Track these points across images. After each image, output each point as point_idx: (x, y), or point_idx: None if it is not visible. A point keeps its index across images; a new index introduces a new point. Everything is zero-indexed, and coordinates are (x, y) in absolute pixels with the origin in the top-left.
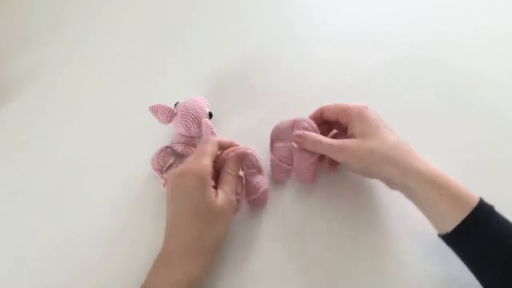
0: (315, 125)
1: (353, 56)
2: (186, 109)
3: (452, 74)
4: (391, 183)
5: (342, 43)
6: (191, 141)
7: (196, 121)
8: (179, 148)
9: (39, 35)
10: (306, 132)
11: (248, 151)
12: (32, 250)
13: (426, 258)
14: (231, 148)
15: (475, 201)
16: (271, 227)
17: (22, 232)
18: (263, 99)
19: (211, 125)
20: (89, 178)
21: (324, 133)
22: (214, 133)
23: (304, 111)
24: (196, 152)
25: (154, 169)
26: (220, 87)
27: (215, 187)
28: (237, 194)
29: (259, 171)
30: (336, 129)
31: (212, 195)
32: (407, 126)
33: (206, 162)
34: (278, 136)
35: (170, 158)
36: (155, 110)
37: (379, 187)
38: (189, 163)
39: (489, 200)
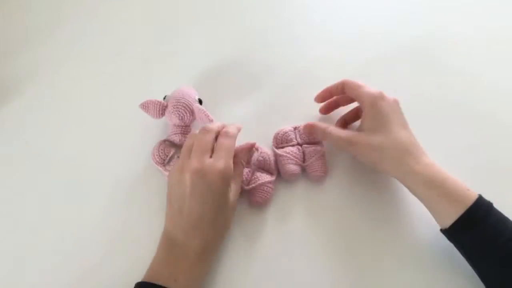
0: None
1: (353, 54)
2: (177, 100)
3: (452, 74)
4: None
5: (341, 42)
6: (187, 130)
7: (189, 109)
8: (176, 139)
9: (38, 35)
10: (316, 122)
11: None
12: (32, 250)
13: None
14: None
15: (472, 199)
16: (277, 225)
17: (22, 232)
18: (262, 95)
19: (204, 109)
20: (88, 177)
21: (346, 102)
22: (208, 115)
23: (302, 109)
24: (219, 147)
25: (156, 163)
26: (217, 84)
27: None
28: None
29: (268, 170)
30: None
31: (229, 195)
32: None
33: (231, 163)
34: (282, 139)
35: (170, 150)
36: (146, 106)
37: (391, 181)
38: (212, 161)
39: (489, 199)
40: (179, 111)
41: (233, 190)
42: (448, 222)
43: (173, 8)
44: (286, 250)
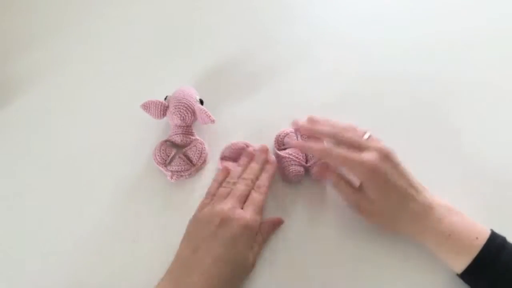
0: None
1: (354, 54)
2: (178, 100)
3: (455, 74)
4: None
5: (342, 42)
6: (188, 130)
7: (190, 109)
8: (177, 139)
9: (41, 36)
10: (327, 166)
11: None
12: (33, 249)
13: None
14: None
15: (480, 246)
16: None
17: (23, 231)
18: (262, 96)
19: (205, 109)
20: (89, 176)
21: None
22: (210, 116)
23: (303, 110)
24: (250, 201)
25: (157, 164)
26: (218, 84)
27: None
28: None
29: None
30: None
31: (249, 252)
32: (406, 131)
33: (258, 218)
34: (284, 142)
35: (171, 151)
36: (147, 107)
37: None
38: (242, 211)
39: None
40: (181, 111)
41: (253, 255)
42: (460, 268)
43: (174, 9)
44: (288, 248)
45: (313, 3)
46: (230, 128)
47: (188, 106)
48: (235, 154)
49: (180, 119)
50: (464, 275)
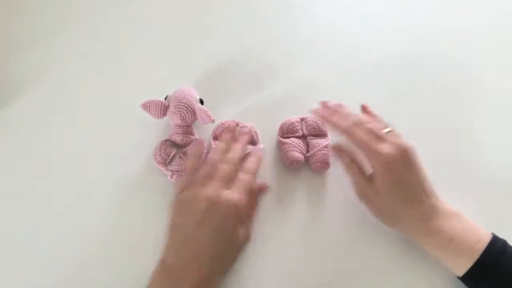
0: (321, 122)
1: (352, 52)
2: (178, 100)
3: (456, 75)
4: None
5: (343, 41)
6: (188, 130)
7: (190, 109)
8: (178, 139)
9: (41, 36)
10: (343, 149)
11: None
12: (32, 249)
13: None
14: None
15: (481, 250)
16: (277, 212)
17: (23, 231)
18: (262, 96)
19: (206, 109)
20: (89, 176)
21: None
22: (210, 116)
23: (302, 111)
24: (238, 182)
25: (157, 163)
26: (219, 83)
27: None
28: None
29: (253, 143)
30: None
31: (237, 231)
32: (409, 125)
33: (245, 198)
34: (288, 129)
35: (171, 150)
36: (148, 106)
37: None
38: (228, 192)
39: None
40: (181, 111)
41: (243, 233)
42: (461, 271)
43: (174, 9)
44: (285, 236)
45: (314, 2)
46: None
47: (188, 105)
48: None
49: (180, 119)
50: (465, 278)
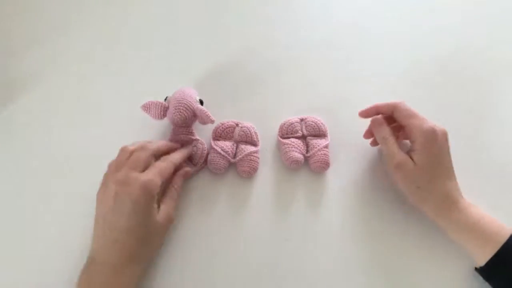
0: (321, 122)
1: (352, 53)
2: (178, 101)
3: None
4: None
5: (341, 40)
6: (189, 131)
7: (190, 110)
8: (178, 140)
9: (44, 36)
10: (383, 125)
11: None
12: (33, 249)
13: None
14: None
15: (506, 236)
16: (277, 211)
17: (23, 231)
18: (261, 97)
19: (205, 110)
20: (90, 176)
21: (392, 122)
22: (210, 116)
23: (300, 110)
24: (151, 166)
25: None
26: (219, 84)
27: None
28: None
29: (253, 143)
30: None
31: (154, 211)
32: None
33: (156, 179)
34: (288, 130)
35: None
36: (148, 107)
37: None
38: (138, 174)
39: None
40: (181, 112)
41: (163, 211)
42: (482, 261)
43: (174, 10)
44: (284, 236)
45: (314, 3)
46: None
47: (188, 106)
48: (226, 133)
49: (180, 120)
50: (485, 267)
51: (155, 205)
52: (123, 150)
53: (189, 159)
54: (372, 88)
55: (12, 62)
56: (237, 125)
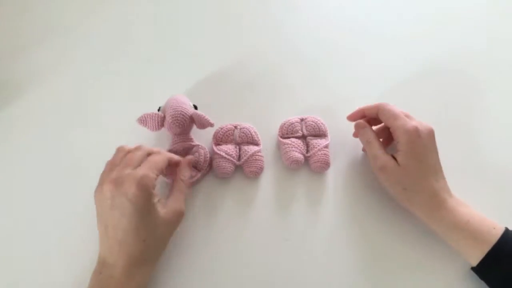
0: (321, 122)
1: (352, 53)
2: (174, 109)
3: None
4: None
5: (341, 40)
6: (187, 137)
7: (187, 116)
8: (179, 148)
9: (41, 37)
10: (366, 128)
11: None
12: (33, 249)
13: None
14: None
15: (497, 235)
16: (277, 210)
17: (24, 232)
18: (260, 100)
19: (203, 114)
20: (89, 179)
21: (378, 123)
22: (208, 120)
23: (299, 105)
24: (145, 161)
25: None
26: (215, 89)
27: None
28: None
29: (254, 143)
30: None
31: (156, 208)
32: None
33: (151, 174)
34: (288, 130)
35: None
36: (144, 120)
37: None
38: (131, 171)
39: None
40: (178, 120)
41: (169, 205)
42: (475, 260)
43: (174, 12)
44: (284, 236)
45: (314, 3)
46: None
47: (185, 113)
48: (226, 136)
49: (179, 128)
50: (480, 267)
51: (155, 201)
52: (119, 150)
53: (193, 166)
54: (372, 88)
55: (13, 63)
56: (235, 127)
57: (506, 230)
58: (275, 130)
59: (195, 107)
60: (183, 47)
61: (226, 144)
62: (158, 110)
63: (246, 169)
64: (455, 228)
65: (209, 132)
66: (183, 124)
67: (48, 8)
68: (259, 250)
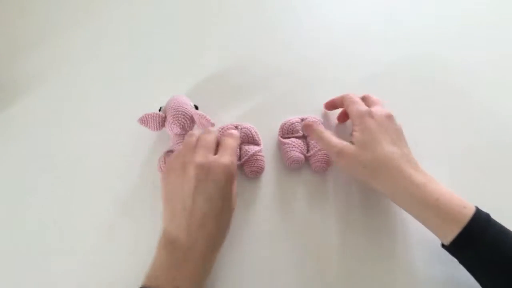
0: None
1: (352, 53)
2: (175, 109)
3: (452, 73)
4: None
5: (341, 40)
6: None
7: (188, 116)
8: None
9: (44, 38)
10: (314, 124)
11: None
12: (34, 249)
13: (432, 261)
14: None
15: (468, 217)
16: (278, 211)
17: (25, 232)
18: (259, 101)
19: (204, 114)
20: (91, 178)
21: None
22: (209, 120)
23: (299, 105)
24: (224, 145)
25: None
26: (216, 89)
27: None
28: None
29: (255, 143)
30: None
31: (234, 195)
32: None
33: (235, 161)
34: (288, 129)
35: None
36: (145, 120)
37: None
38: (217, 157)
39: (487, 201)
40: (180, 120)
41: (234, 189)
42: (446, 241)
43: (175, 12)
44: (285, 236)
45: (315, 4)
46: None
47: (186, 113)
48: None
49: (180, 128)
50: (451, 246)
51: (232, 187)
52: (190, 134)
53: None
54: (372, 88)
55: (13, 64)
56: (236, 127)
57: (477, 209)
58: (275, 130)
59: (196, 107)
60: (184, 47)
61: None
62: (159, 110)
63: (246, 169)
64: (424, 205)
65: None
66: (184, 124)
67: (48, 9)
68: (259, 250)
